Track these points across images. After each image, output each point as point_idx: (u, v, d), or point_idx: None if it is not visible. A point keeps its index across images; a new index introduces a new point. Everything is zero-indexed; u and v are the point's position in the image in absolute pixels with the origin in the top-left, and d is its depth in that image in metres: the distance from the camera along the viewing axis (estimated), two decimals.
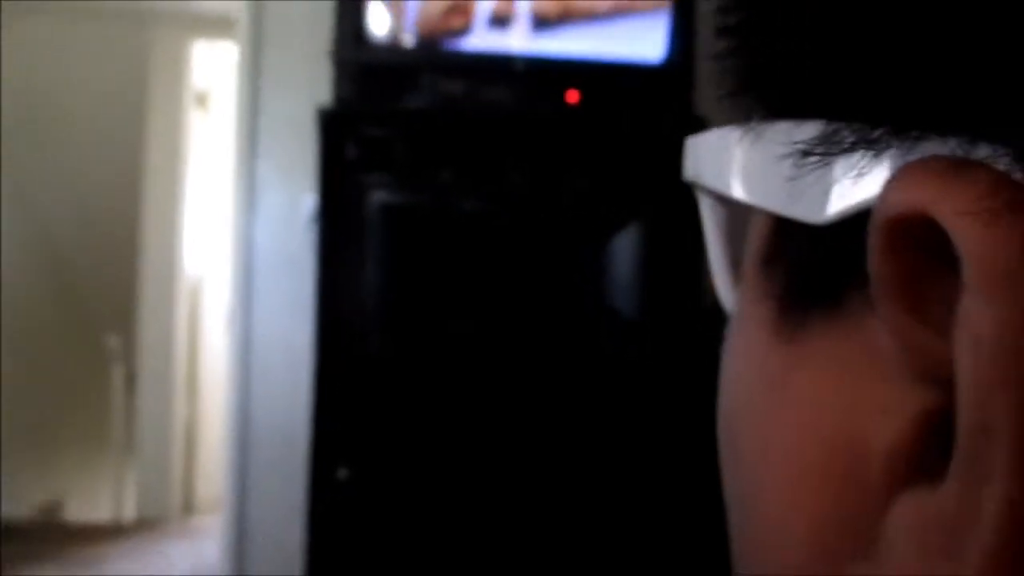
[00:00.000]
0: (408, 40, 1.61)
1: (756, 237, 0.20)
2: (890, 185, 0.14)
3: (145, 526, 3.39)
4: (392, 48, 1.61)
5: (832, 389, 0.17)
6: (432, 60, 1.61)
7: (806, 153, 0.17)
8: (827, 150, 0.16)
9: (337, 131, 1.53)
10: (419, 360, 1.50)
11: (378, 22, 1.60)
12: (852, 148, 0.16)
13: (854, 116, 0.16)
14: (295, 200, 2.03)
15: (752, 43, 0.19)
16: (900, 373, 0.15)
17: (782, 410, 0.18)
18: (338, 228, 1.53)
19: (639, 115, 1.56)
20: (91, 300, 3.94)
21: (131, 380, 3.58)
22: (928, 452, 0.14)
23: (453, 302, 1.52)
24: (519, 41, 1.60)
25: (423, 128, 1.55)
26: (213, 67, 3.59)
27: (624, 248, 1.55)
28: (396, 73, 1.61)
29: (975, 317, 0.13)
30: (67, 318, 3.94)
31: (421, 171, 1.53)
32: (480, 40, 1.61)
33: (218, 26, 3.23)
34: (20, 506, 3.48)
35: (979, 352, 0.13)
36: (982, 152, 0.14)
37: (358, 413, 1.48)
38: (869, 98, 0.16)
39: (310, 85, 1.97)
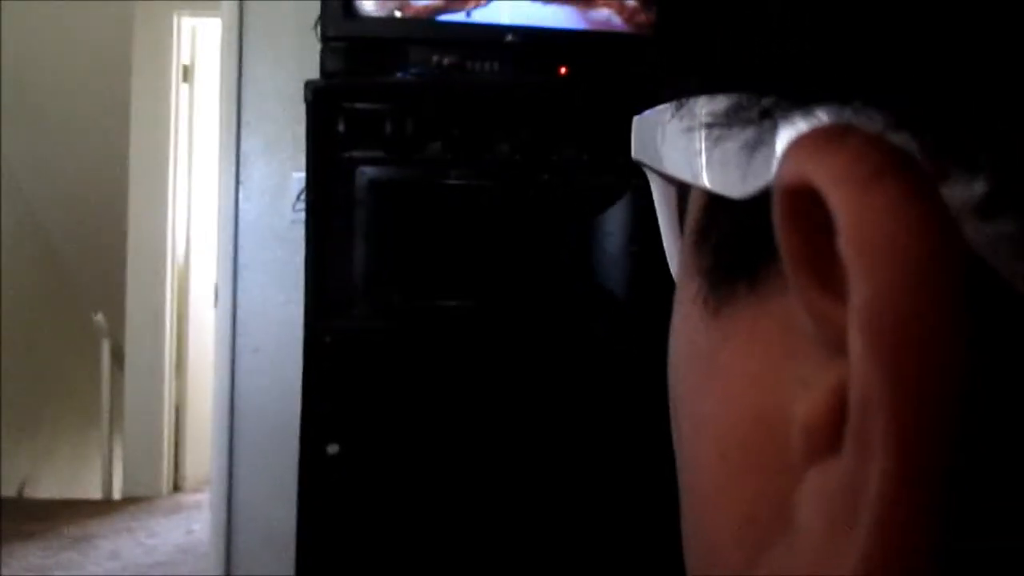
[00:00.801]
0: (397, 13, 1.59)
1: (692, 213, 0.20)
2: (783, 158, 0.14)
3: (133, 503, 3.39)
4: (380, 21, 1.59)
5: (754, 364, 0.17)
6: (421, 33, 1.60)
7: (711, 126, 0.17)
8: (729, 122, 0.17)
9: (325, 105, 1.52)
10: (409, 335, 1.50)
11: None
12: (754, 120, 0.16)
13: (759, 88, 0.16)
14: (282, 175, 2.01)
15: (668, 19, 0.20)
16: (815, 346, 0.15)
17: (712, 386, 0.18)
18: (327, 203, 1.51)
19: (631, 86, 1.55)
20: (78, 277, 3.91)
21: (119, 358, 3.56)
22: (842, 425, 0.14)
23: (443, 277, 1.51)
24: (509, 13, 1.59)
25: (412, 102, 1.53)
26: (199, 40, 3.55)
27: (616, 221, 1.54)
28: (385, 46, 1.59)
29: (851, 288, 0.13)
30: (54, 295, 3.91)
31: (411, 145, 1.51)
32: (470, 12, 1.59)
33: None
34: (7, 482, 3.47)
35: (858, 321, 0.13)
36: (872, 118, 0.14)
37: (348, 388, 1.48)
38: (767, 69, 0.16)
39: (297, 58, 1.95)
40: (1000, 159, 0.14)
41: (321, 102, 1.51)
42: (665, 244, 0.25)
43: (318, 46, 1.62)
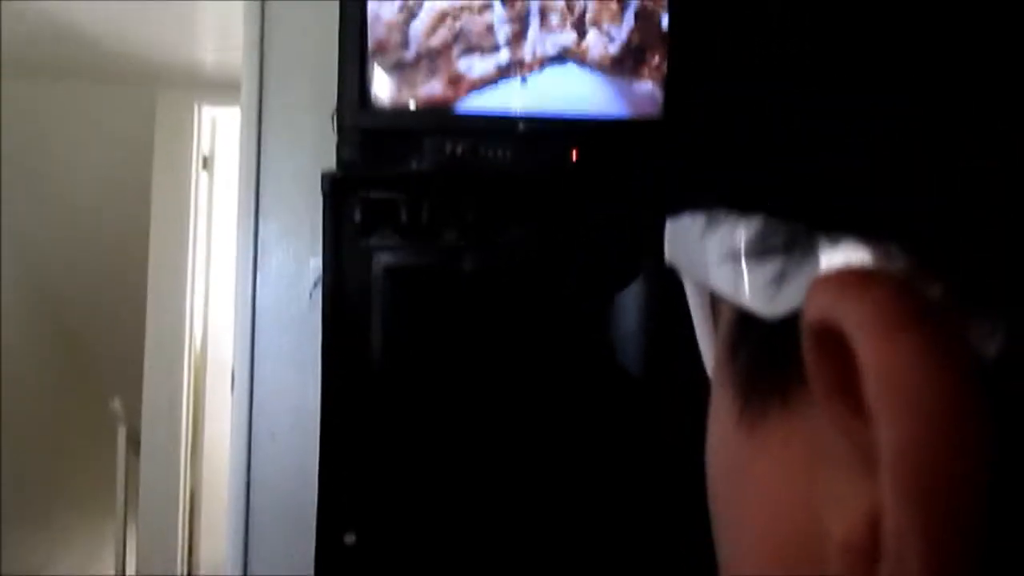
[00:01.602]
0: (411, 104, 1.63)
1: (723, 322, 0.21)
2: (810, 292, 0.15)
3: None
4: (395, 112, 1.63)
5: (789, 478, 0.17)
6: (435, 123, 1.64)
7: (747, 252, 0.18)
8: (763, 249, 0.17)
9: (342, 195, 1.55)
10: (427, 423, 1.49)
11: (381, 86, 1.62)
12: (785, 249, 0.17)
13: (789, 215, 0.17)
14: (299, 261, 2.04)
15: (699, 142, 0.20)
16: (849, 463, 0.15)
17: (747, 497, 0.19)
18: (343, 289, 1.53)
19: (641, 170, 1.58)
20: (97, 362, 3.94)
21: (135, 442, 3.55)
22: (877, 546, 0.15)
23: (460, 363, 1.51)
24: (520, 101, 1.63)
25: (426, 190, 1.56)
26: (219, 129, 3.64)
27: (629, 304, 1.55)
28: (399, 136, 1.63)
29: (878, 427, 0.14)
30: (73, 380, 3.93)
31: (425, 232, 1.54)
32: (482, 101, 1.63)
33: (224, 89, 3.28)
34: (22, 565, 3.43)
35: (887, 466, 0.13)
36: (896, 256, 0.15)
37: (365, 476, 1.47)
38: (798, 201, 0.17)
39: (314, 147, 2.00)
40: (1014, 317, 0.14)
41: (338, 192, 1.54)
42: (700, 342, 0.26)
43: (335, 135, 1.66)
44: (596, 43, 1.65)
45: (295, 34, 2.09)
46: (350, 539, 1.42)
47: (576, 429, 1.50)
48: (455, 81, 1.62)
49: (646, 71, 1.65)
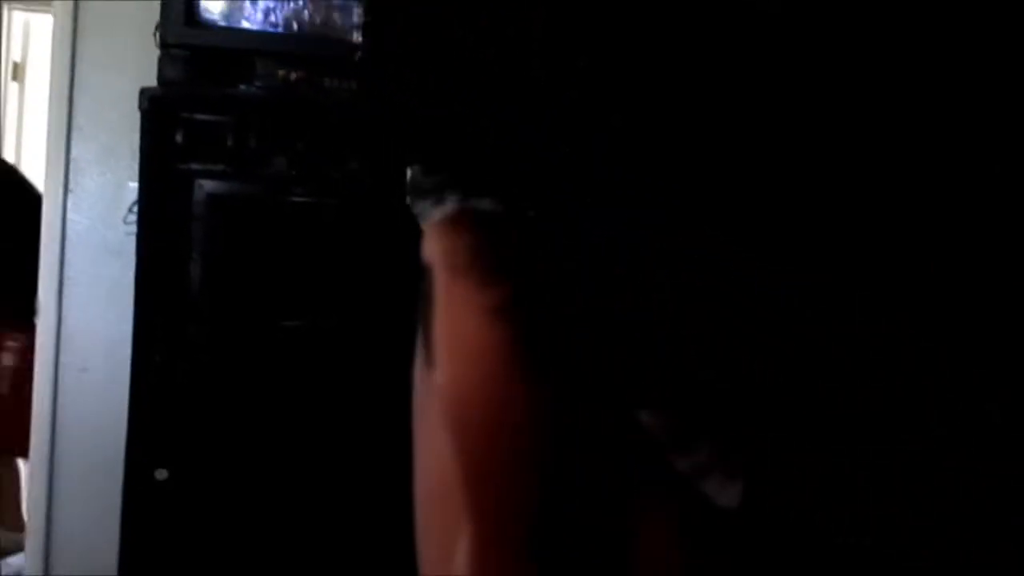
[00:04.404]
0: (244, 23, 1.55)
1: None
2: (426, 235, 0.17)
3: None
4: (225, 31, 1.54)
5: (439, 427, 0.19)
6: (268, 46, 1.56)
7: (407, 194, 0.20)
8: (414, 193, 0.20)
9: (162, 115, 1.45)
10: (244, 356, 1.45)
11: (211, 2, 1.53)
12: (430, 193, 0.19)
13: (440, 166, 0.19)
14: (117, 185, 1.91)
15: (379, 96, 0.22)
16: None
17: (421, 436, 0.21)
18: (162, 216, 1.45)
19: None
20: None
21: None
22: None
23: (281, 296, 1.47)
24: (359, 28, 1.58)
25: (255, 115, 1.49)
26: (32, 36, 3.34)
27: None
28: (229, 57, 1.54)
29: (437, 366, 0.15)
30: None
31: (253, 160, 1.47)
32: (318, 28, 1.56)
33: None
34: None
35: (439, 404, 0.15)
36: (490, 204, 0.16)
37: (178, 411, 1.42)
38: (434, 157, 0.19)
39: (137, 63, 1.86)
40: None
41: (158, 111, 1.45)
42: None
43: (158, 52, 1.55)
44: None
45: None
46: (161, 475, 1.37)
47: (401, 366, 1.50)
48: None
49: None
